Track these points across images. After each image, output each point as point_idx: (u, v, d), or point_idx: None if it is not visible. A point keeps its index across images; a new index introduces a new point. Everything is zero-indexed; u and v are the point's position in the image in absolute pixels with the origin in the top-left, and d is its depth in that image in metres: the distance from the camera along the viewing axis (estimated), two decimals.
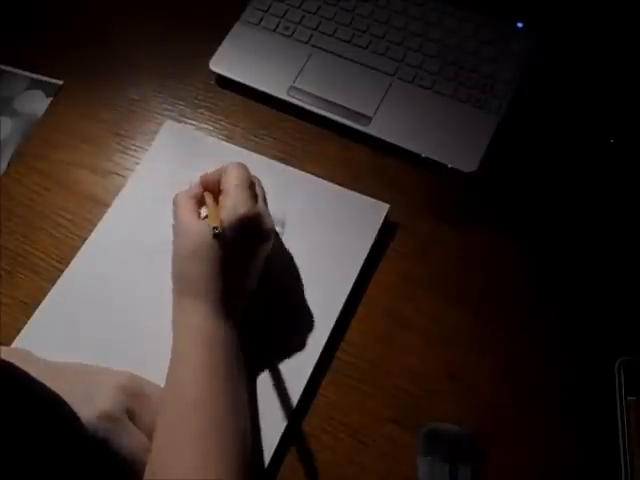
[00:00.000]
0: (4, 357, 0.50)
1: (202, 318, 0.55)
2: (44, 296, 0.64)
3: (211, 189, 0.60)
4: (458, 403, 0.59)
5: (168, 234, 0.59)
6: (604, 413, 0.58)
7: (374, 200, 0.67)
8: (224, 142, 0.73)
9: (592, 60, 0.74)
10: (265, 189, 0.62)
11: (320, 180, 0.69)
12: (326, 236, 0.66)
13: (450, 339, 0.62)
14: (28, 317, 0.63)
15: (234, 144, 0.72)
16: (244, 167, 0.59)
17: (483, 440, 0.57)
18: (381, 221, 0.66)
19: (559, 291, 0.64)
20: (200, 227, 0.56)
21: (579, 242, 0.66)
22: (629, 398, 0.58)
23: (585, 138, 0.71)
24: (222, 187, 0.58)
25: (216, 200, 0.59)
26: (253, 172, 0.61)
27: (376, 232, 0.65)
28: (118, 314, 0.62)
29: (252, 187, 0.59)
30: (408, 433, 0.58)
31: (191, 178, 0.61)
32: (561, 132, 0.72)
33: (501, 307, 0.63)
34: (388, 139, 0.70)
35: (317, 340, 0.61)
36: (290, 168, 0.70)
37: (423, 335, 0.62)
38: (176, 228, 0.58)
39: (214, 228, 0.54)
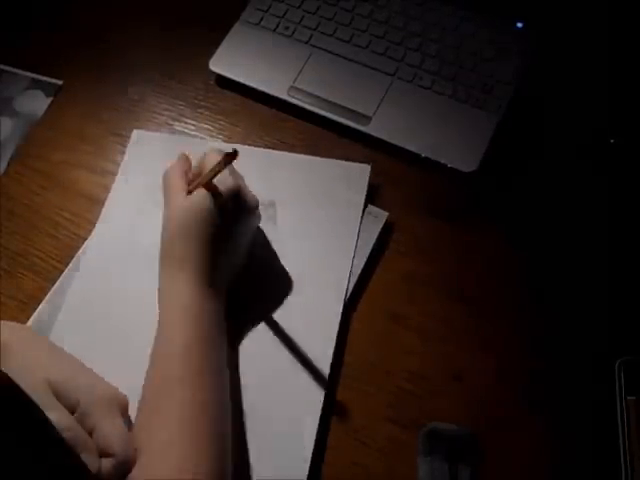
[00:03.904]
0: (8, 333, 0.52)
1: (190, 289, 0.55)
2: (44, 296, 0.64)
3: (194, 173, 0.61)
4: (458, 403, 0.59)
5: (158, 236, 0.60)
6: (604, 413, 0.58)
7: (355, 163, 0.68)
8: (196, 138, 0.73)
9: (592, 60, 0.74)
10: (249, 174, 0.63)
11: (300, 156, 0.70)
12: (317, 207, 0.67)
13: (450, 339, 0.62)
14: (28, 317, 0.63)
15: (213, 139, 0.73)
16: (221, 152, 0.60)
17: (483, 440, 0.57)
18: (367, 182, 0.67)
19: (559, 291, 0.64)
20: (189, 202, 0.57)
21: (579, 242, 0.66)
22: (629, 398, 0.58)
23: (585, 138, 0.71)
24: (204, 169, 0.59)
25: None
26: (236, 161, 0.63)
27: (364, 193, 0.67)
28: (118, 315, 0.62)
29: (232, 167, 0.60)
30: (408, 433, 0.58)
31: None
32: (561, 132, 0.72)
33: (501, 307, 0.63)
34: (388, 139, 0.70)
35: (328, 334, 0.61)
36: (269, 150, 0.71)
37: (423, 335, 0.62)
38: (167, 202, 0.59)
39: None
